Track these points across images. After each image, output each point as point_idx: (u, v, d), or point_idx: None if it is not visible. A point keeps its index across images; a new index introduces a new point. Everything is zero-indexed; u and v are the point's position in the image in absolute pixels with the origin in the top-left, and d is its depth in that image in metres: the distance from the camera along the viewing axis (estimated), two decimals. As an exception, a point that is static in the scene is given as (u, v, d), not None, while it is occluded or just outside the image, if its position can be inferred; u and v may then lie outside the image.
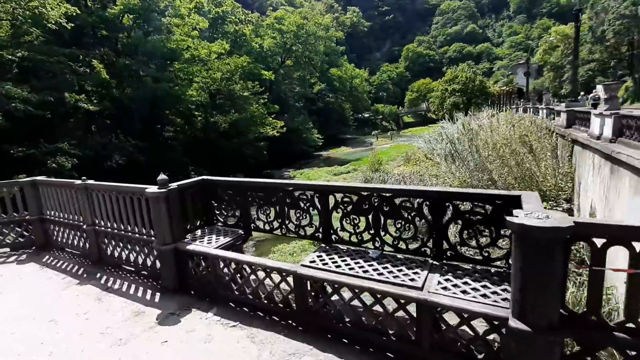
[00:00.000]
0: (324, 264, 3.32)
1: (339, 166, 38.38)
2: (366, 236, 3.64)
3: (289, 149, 42.64)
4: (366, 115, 71.96)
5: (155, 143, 24.99)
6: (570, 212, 16.83)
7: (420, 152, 35.58)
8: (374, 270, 3.12)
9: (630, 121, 11.92)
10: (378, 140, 59.68)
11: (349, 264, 3.28)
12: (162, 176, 4.15)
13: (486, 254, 2.98)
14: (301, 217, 4.02)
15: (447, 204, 3.09)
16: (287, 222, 4.16)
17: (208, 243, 4.20)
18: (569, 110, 19.17)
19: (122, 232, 4.93)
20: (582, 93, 29.12)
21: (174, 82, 26.22)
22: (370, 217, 3.54)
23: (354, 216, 3.64)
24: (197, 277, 4.19)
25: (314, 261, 3.39)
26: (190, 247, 4.11)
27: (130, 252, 4.97)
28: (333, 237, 3.86)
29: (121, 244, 5.09)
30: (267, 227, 4.35)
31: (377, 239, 3.55)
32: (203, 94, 28.95)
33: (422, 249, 3.30)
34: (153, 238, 4.53)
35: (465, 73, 55.74)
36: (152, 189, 4.15)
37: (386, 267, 3.14)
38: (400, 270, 3.05)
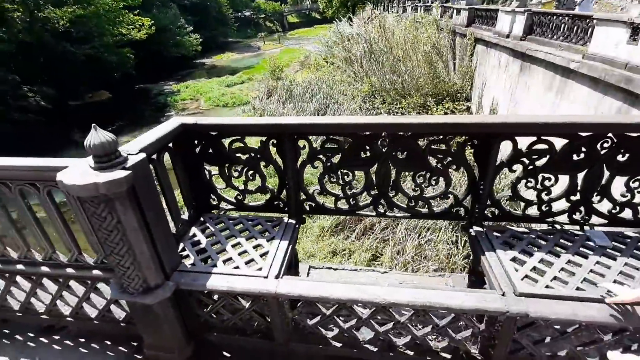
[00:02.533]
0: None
1: (230, 76, 33.52)
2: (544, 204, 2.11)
3: (162, 57, 34.57)
4: (247, 13, 62.64)
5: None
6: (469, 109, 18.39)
7: (318, 56, 33.48)
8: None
9: (543, 18, 12.41)
10: (265, 44, 53.91)
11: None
12: (100, 135, 1.51)
13: None
14: (425, 183, 2.15)
15: None
16: (392, 193, 2.24)
17: (248, 262, 2.01)
18: (470, 8, 19.36)
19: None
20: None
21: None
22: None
23: (548, 175, 2.01)
24: (226, 326, 2.07)
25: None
26: (220, 282, 1.87)
27: (29, 295, 2.30)
28: (489, 211, 2.20)
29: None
30: (344, 206, 2.34)
31: (584, 207, 2.07)
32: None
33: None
34: (99, 272, 2.02)
35: (351, -34, 51.63)
36: (79, 172, 1.52)
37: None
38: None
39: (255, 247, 2.14)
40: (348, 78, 25.12)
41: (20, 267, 2.12)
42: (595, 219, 2.11)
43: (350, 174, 2.21)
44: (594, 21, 9.15)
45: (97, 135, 1.51)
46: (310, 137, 2.15)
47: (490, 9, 17.74)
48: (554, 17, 11.46)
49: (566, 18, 10.88)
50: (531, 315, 1.58)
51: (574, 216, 2.11)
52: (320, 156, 2.17)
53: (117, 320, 2.25)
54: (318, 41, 37.12)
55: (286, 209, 2.42)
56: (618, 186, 2.00)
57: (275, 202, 2.42)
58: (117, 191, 1.50)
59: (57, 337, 2.38)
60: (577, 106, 9.68)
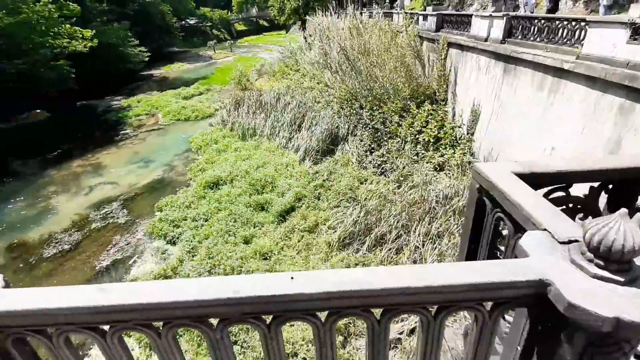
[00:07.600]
0: None
1: (186, 87, 31.34)
2: None
3: (106, 71, 31.26)
4: (192, 22, 59.74)
5: None
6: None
7: (281, 64, 32.64)
8: None
9: (523, 22, 12.99)
10: (216, 53, 51.86)
11: None
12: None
13: None
14: None
15: None
16: None
17: None
18: (438, 13, 20.01)
19: None
20: None
21: None
22: None
23: None
24: None
25: None
26: None
27: None
28: None
29: None
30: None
31: None
32: None
33: None
34: None
35: (299, -28, 51.78)
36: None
37: None
38: None
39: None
40: (318, 85, 24.66)
41: None
42: None
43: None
44: (583, 24, 9.61)
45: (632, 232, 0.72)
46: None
47: (462, 14, 18.36)
48: (536, 20, 11.96)
49: (550, 22, 11.35)
50: None
51: None
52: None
53: None
54: (275, 49, 36.28)
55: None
56: None
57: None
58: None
59: None
60: (574, 104, 10.11)
